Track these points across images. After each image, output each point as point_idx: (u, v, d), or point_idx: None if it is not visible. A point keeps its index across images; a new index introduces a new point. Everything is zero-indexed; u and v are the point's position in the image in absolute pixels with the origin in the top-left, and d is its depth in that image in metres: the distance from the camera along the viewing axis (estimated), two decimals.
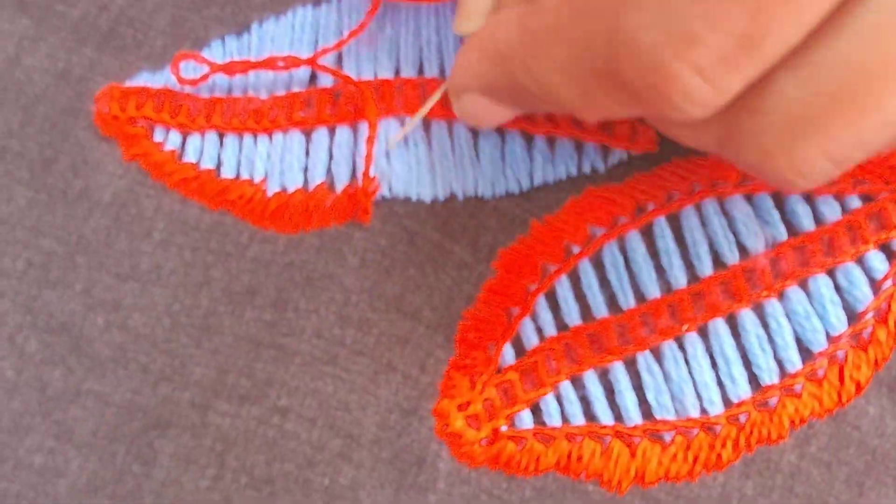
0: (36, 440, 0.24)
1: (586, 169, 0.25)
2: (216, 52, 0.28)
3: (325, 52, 0.26)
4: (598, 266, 0.24)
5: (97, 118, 0.28)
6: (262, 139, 0.27)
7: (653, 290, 0.24)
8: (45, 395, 0.24)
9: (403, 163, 0.25)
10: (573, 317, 0.23)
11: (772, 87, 0.16)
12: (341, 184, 0.25)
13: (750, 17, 0.15)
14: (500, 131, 0.25)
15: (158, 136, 0.28)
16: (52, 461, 0.24)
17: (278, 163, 0.26)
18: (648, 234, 0.25)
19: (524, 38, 0.18)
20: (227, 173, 0.27)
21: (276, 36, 0.28)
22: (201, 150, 0.27)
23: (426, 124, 0.25)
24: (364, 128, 0.26)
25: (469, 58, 0.21)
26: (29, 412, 0.24)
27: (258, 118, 0.27)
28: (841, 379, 0.23)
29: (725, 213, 0.25)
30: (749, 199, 0.25)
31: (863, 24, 0.15)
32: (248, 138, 0.27)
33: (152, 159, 0.27)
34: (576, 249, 0.24)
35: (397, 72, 0.27)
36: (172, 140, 0.28)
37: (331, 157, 0.26)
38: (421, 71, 0.27)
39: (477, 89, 0.21)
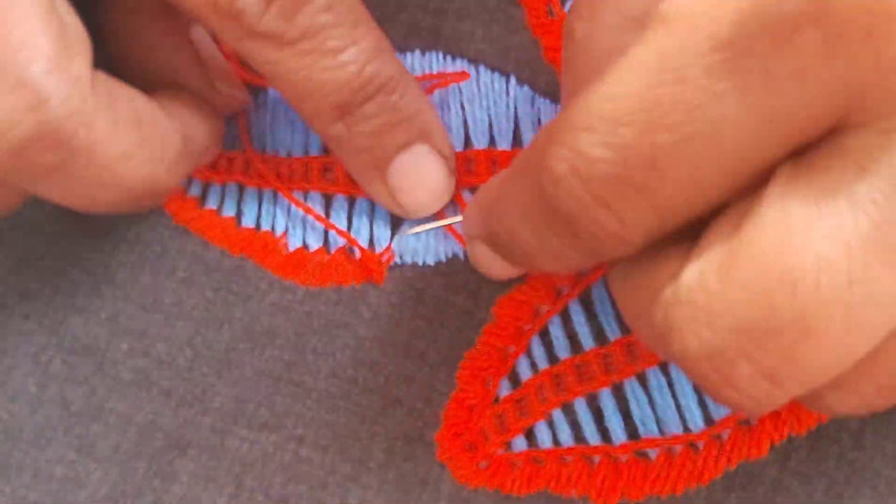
0: (57, 452, 0.31)
1: None
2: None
3: None
4: (587, 303, 0.33)
5: None
6: (282, 195, 0.35)
7: None
8: (68, 410, 0.32)
9: (413, 236, 0.35)
10: (563, 351, 0.33)
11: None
12: (359, 250, 0.35)
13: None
14: None
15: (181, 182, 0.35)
16: (73, 472, 0.31)
17: (299, 220, 0.34)
18: None
19: (501, 183, 0.25)
20: (247, 223, 0.36)
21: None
22: (222, 198, 0.38)
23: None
24: None
25: (470, 206, 0.29)
26: (50, 426, 0.32)
27: (279, 177, 0.35)
28: None
29: None
30: None
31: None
32: (267, 192, 0.35)
33: (174, 204, 0.35)
34: (565, 290, 0.33)
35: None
36: (194, 189, 0.38)
37: (350, 224, 0.36)
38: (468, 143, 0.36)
39: (478, 238, 0.29)
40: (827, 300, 0.18)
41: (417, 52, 0.37)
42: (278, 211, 0.37)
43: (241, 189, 0.37)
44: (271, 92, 0.38)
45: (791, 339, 0.18)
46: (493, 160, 0.35)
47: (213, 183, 0.37)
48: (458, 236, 0.35)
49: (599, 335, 0.33)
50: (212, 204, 0.37)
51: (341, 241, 0.36)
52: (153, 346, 0.35)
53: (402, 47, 0.36)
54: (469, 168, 0.35)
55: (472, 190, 0.35)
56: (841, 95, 0.18)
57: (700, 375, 0.20)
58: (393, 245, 0.35)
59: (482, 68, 0.36)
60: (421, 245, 0.36)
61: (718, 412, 0.31)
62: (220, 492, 0.33)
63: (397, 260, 0.36)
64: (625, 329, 0.33)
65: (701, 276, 0.19)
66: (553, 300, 0.34)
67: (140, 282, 0.36)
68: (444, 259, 0.35)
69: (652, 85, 0.18)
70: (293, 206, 0.37)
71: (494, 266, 0.32)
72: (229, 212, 0.37)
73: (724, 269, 0.19)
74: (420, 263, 0.35)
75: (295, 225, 0.36)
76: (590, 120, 0.19)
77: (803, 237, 0.18)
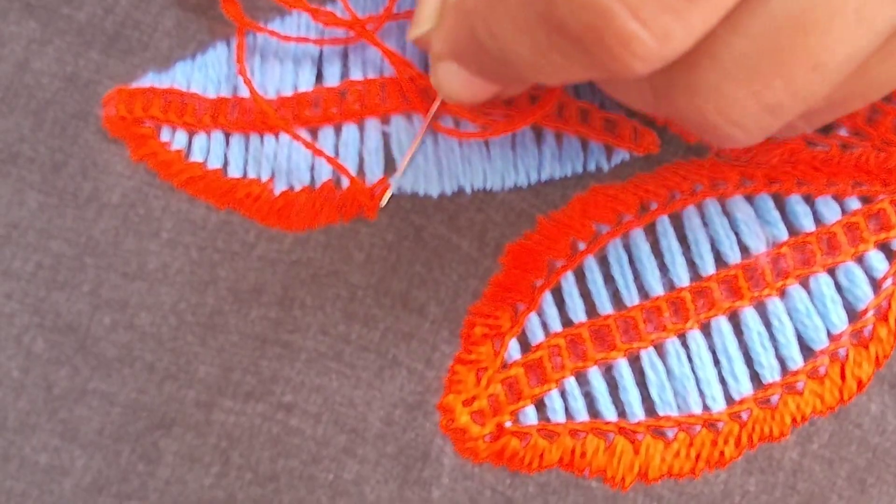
0: (41, 439, 0.30)
1: (591, 167, 0.32)
2: (221, 53, 0.35)
3: (370, 20, 0.31)
4: (603, 263, 0.31)
5: (105, 121, 0.36)
6: (269, 139, 0.34)
7: (656, 288, 0.30)
8: (51, 394, 0.30)
9: (411, 160, 0.31)
10: (578, 313, 0.30)
11: (711, 41, 0.20)
12: (347, 181, 0.30)
13: None
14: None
15: (165, 136, 0.35)
16: (58, 460, 0.29)
17: (285, 162, 0.32)
18: (652, 233, 0.31)
19: None
20: (234, 172, 0.34)
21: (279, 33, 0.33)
22: (208, 149, 0.35)
23: (434, 120, 0.32)
24: (370, 124, 0.32)
25: (442, 22, 0.27)
26: (35, 411, 0.30)
27: (264, 118, 0.32)
28: (842, 376, 0.29)
29: (727, 213, 0.31)
30: (750, 199, 0.31)
31: None
32: (254, 138, 0.33)
33: (159, 159, 0.34)
34: (581, 246, 0.31)
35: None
36: (179, 140, 0.35)
37: (337, 154, 0.32)
38: (427, 69, 0.33)
39: (450, 56, 0.26)
40: None
41: None
42: (264, 156, 0.34)
43: (227, 137, 0.35)
44: (259, 34, 0.35)
45: None
46: (509, 97, 0.32)
47: (198, 132, 0.35)
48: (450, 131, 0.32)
49: (616, 298, 0.30)
50: (198, 156, 0.35)
51: (326, 175, 0.33)
52: (136, 317, 0.33)
53: None
54: None
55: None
56: None
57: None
58: (389, 177, 0.32)
59: None
60: (421, 172, 0.32)
61: (739, 389, 0.29)
62: (206, 472, 0.31)
63: (394, 190, 0.32)
64: (643, 294, 0.30)
65: None
66: (567, 254, 0.30)
67: (123, 247, 0.34)
68: (448, 192, 0.32)
69: None
70: (279, 150, 0.34)
71: (464, 88, 0.27)
72: (216, 163, 0.35)
73: None
74: (420, 194, 0.32)
75: (281, 168, 0.34)
76: None
77: None
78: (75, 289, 0.34)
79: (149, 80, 0.36)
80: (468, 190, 0.32)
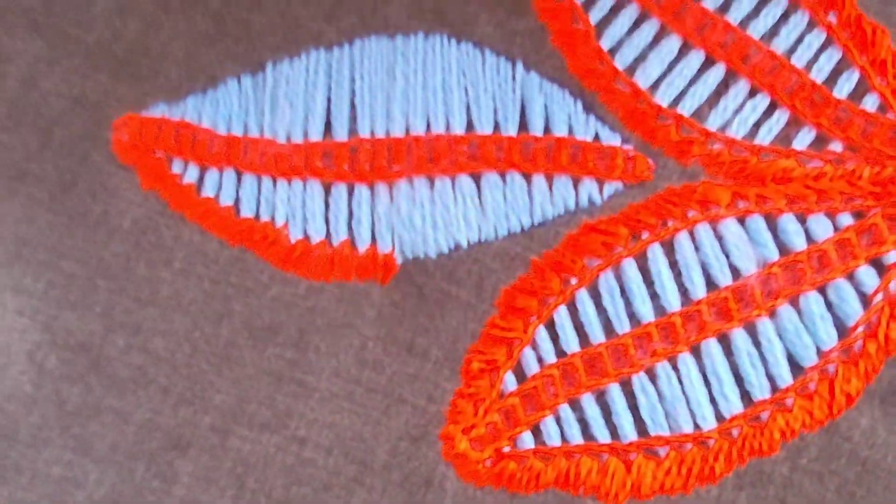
0: (54, 453, 0.33)
1: (584, 202, 0.34)
2: (232, 90, 0.38)
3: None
4: (595, 294, 0.34)
5: (115, 146, 0.38)
6: (282, 183, 0.37)
7: (647, 315, 0.33)
8: (64, 410, 0.33)
9: (411, 225, 0.36)
10: (571, 344, 0.33)
11: None
12: (363, 243, 0.36)
13: None
14: (502, 174, 0.36)
15: (177, 167, 0.38)
16: (70, 473, 0.33)
17: (300, 209, 0.35)
18: (643, 261, 0.33)
19: None
20: (247, 212, 0.37)
21: (290, 79, 0.37)
22: (219, 185, 0.38)
23: (430, 181, 0.36)
24: (380, 188, 0.36)
25: None
26: (47, 425, 0.33)
27: (278, 163, 0.37)
28: (831, 393, 0.31)
29: (718, 237, 0.32)
30: (741, 221, 0.33)
31: None
32: (266, 180, 0.37)
33: (170, 191, 0.36)
34: (574, 281, 0.34)
35: (407, 128, 0.37)
36: (190, 173, 0.38)
37: (350, 214, 0.36)
38: (428, 126, 0.37)
39: None
40: None
41: (420, 35, 0.37)
42: (278, 200, 0.37)
43: (238, 175, 0.37)
44: (269, 71, 0.38)
45: None
46: (499, 146, 0.35)
47: (210, 168, 0.37)
48: None
49: (608, 328, 0.33)
50: (209, 191, 0.37)
51: (344, 234, 0.36)
52: (150, 342, 0.36)
53: (404, 29, 0.36)
54: (474, 153, 0.35)
55: (475, 176, 0.36)
56: None
57: None
58: (398, 239, 0.36)
59: (487, 52, 0.36)
60: (420, 237, 0.36)
61: (729, 408, 0.32)
62: (221, 494, 0.35)
63: (398, 259, 0.36)
64: (635, 321, 0.33)
65: None
66: (559, 291, 0.34)
67: (135, 273, 0.37)
68: (445, 250, 0.35)
69: None
70: (293, 195, 0.37)
71: None
72: (227, 200, 0.37)
73: None
74: (421, 256, 0.36)
75: (295, 215, 0.37)
76: None
77: None
78: (88, 309, 0.36)
79: (159, 111, 0.38)
80: (464, 245, 0.36)
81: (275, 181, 0.37)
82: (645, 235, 0.33)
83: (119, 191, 0.37)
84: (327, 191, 0.37)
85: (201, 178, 0.38)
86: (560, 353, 0.33)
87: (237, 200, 0.37)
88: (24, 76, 0.38)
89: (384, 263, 0.35)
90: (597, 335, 0.33)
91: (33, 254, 0.36)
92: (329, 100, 0.37)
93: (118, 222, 0.37)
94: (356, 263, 0.36)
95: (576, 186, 0.35)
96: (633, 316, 0.33)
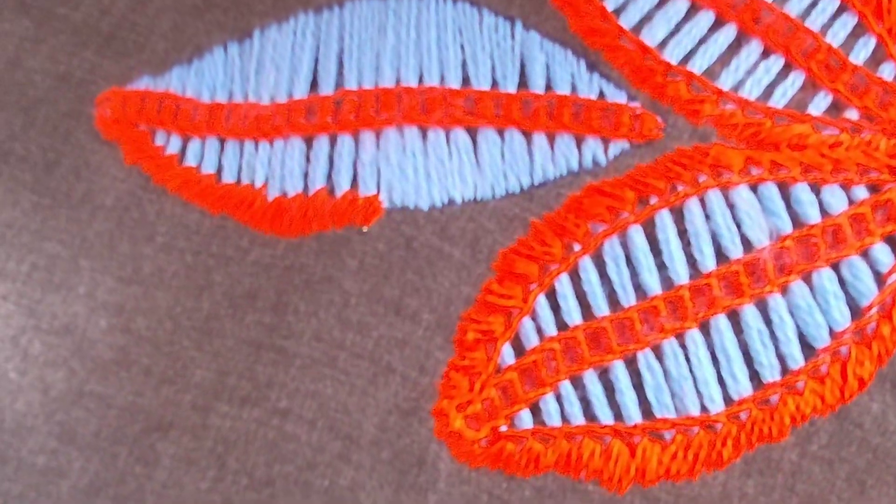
0: (38, 441, 0.31)
1: (587, 163, 0.32)
2: (218, 59, 0.36)
3: None
4: (599, 262, 0.31)
5: (98, 122, 0.37)
6: (264, 145, 0.35)
7: (654, 287, 0.31)
8: (48, 396, 0.32)
9: (401, 174, 0.33)
10: (573, 316, 0.31)
11: None
12: (341, 189, 0.32)
13: None
14: (500, 131, 0.33)
15: (159, 140, 0.36)
16: (55, 462, 0.31)
17: (279, 168, 0.33)
18: (651, 228, 0.31)
19: None
20: (228, 178, 0.36)
21: (277, 42, 0.36)
22: (202, 154, 0.36)
23: (423, 132, 0.33)
24: (365, 136, 0.34)
25: None
26: (32, 413, 0.32)
27: (260, 124, 0.34)
28: (843, 375, 0.29)
29: (730, 205, 0.31)
30: (754, 188, 0.31)
31: None
32: (249, 144, 0.35)
33: (153, 163, 0.35)
34: (577, 247, 0.31)
35: (398, 80, 0.35)
36: (173, 144, 0.37)
37: (331, 164, 0.33)
38: (421, 79, 0.34)
39: None
40: None
41: None
42: (258, 162, 0.35)
43: (221, 143, 0.36)
44: (256, 36, 0.36)
45: None
46: (498, 102, 0.33)
47: (192, 138, 0.36)
48: None
49: (612, 300, 0.31)
50: (191, 161, 0.36)
51: (320, 183, 0.34)
52: (133, 321, 0.35)
53: None
54: (470, 108, 0.33)
55: (471, 132, 0.33)
56: None
57: None
58: (386, 183, 0.33)
59: (485, 11, 0.35)
60: (411, 186, 0.34)
61: (738, 390, 0.30)
62: (202, 475, 0.32)
63: (385, 203, 0.34)
64: (641, 293, 0.31)
65: None
66: (561, 257, 0.31)
67: (118, 251, 0.35)
68: (438, 204, 0.33)
69: None
70: (273, 156, 0.35)
71: None
72: (209, 168, 0.36)
73: None
74: (411, 207, 0.33)
75: (275, 175, 0.35)
76: None
77: None
78: (71, 291, 0.35)
79: (143, 84, 0.37)
80: (458, 201, 0.33)
81: (257, 144, 0.36)
82: (653, 200, 0.31)
83: (102, 168, 0.36)
84: (308, 146, 0.35)
85: (184, 149, 0.36)
86: (561, 325, 0.31)
87: (219, 168, 0.36)
88: (10, 57, 0.37)
89: (365, 206, 0.33)
90: (601, 307, 0.31)
91: (17, 237, 0.35)
92: (316, 60, 0.36)
93: (101, 200, 0.36)
94: (331, 209, 0.33)
95: (579, 146, 0.33)
96: (638, 287, 0.31)
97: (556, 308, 0.31)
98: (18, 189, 0.36)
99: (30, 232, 0.36)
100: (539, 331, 0.31)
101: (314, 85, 0.35)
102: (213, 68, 0.36)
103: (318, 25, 0.36)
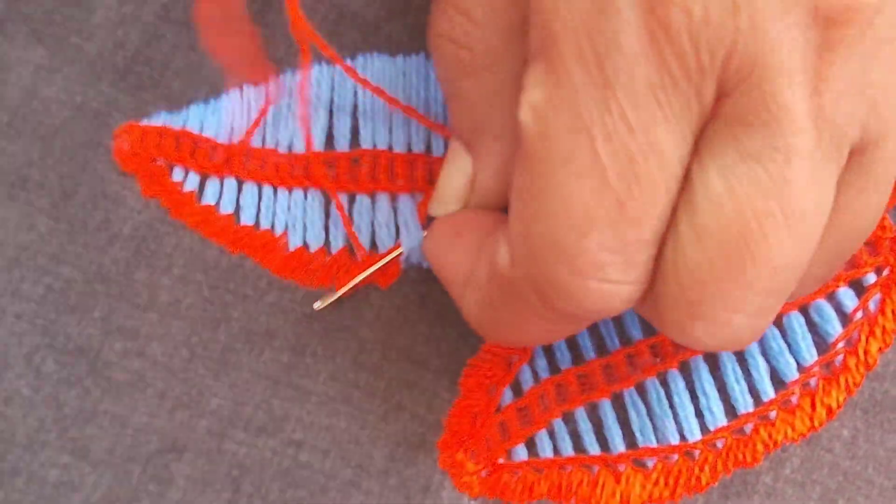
0: (51, 456, 0.35)
1: None
2: (235, 102, 0.39)
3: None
4: None
5: (116, 154, 0.40)
6: (282, 192, 0.39)
7: (636, 334, 0.36)
8: (61, 413, 0.35)
9: (416, 236, 0.37)
10: (565, 361, 0.36)
11: (664, 259, 0.24)
12: (361, 251, 0.37)
13: (617, 212, 0.23)
14: None
15: (177, 175, 0.40)
16: (67, 476, 0.34)
17: (300, 218, 0.38)
18: None
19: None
20: (246, 220, 0.39)
21: (293, 88, 0.39)
22: (220, 193, 0.40)
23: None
24: (382, 198, 0.38)
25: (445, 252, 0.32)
26: (44, 428, 0.35)
27: (279, 173, 0.38)
28: (813, 406, 0.33)
29: None
30: None
31: (708, 191, 0.23)
32: (267, 188, 0.38)
33: (171, 199, 0.38)
34: None
35: (409, 147, 0.39)
36: (191, 181, 0.40)
37: (351, 220, 0.38)
38: (429, 149, 0.39)
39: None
40: None
41: (423, 55, 0.39)
42: (278, 208, 0.39)
43: (239, 184, 0.39)
44: (272, 82, 0.40)
45: None
46: None
47: (210, 176, 0.40)
48: None
49: (600, 346, 0.36)
50: (210, 199, 0.39)
51: (342, 242, 0.38)
52: (148, 346, 0.38)
53: (406, 50, 0.39)
54: None
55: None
56: None
57: None
58: (403, 247, 0.38)
59: None
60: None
61: (714, 422, 0.35)
62: (217, 497, 0.36)
63: (402, 264, 0.38)
64: (624, 340, 0.36)
65: None
66: None
67: (134, 279, 0.39)
68: None
69: None
70: (293, 204, 0.39)
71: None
72: (228, 208, 0.39)
73: None
74: (424, 266, 0.38)
75: (295, 224, 0.39)
76: None
77: None
78: (86, 314, 0.38)
79: (161, 120, 0.40)
80: None
81: (275, 190, 0.39)
82: None
83: (120, 198, 0.39)
84: (328, 200, 0.39)
85: (202, 186, 0.39)
86: (554, 369, 0.36)
87: (237, 208, 0.39)
88: (26, 84, 0.40)
89: (385, 268, 0.37)
90: (589, 352, 0.36)
91: (33, 259, 0.38)
92: (331, 112, 0.39)
93: (119, 229, 0.39)
94: (356, 270, 0.38)
95: None
96: (623, 334, 0.36)
97: (550, 356, 0.36)
98: (35, 214, 0.39)
99: (45, 255, 0.38)
100: (535, 374, 0.36)
101: (329, 136, 0.39)
102: (230, 110, 0.39)
103: (332, 76, 0.39)
